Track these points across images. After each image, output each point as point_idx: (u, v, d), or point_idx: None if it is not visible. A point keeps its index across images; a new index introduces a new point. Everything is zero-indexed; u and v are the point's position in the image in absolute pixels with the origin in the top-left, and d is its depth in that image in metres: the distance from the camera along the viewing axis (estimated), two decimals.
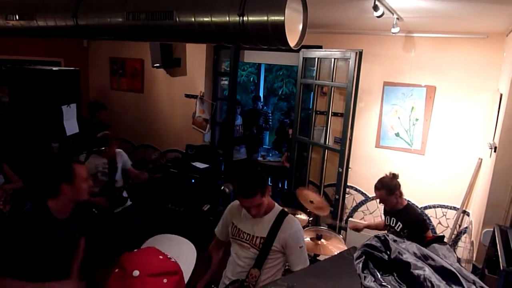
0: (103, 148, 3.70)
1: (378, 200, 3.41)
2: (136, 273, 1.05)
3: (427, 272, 1.02)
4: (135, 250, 1.17)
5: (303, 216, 3.86)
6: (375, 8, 2.57)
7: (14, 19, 2.99)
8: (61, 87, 4.15)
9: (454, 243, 4.23)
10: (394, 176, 3.21)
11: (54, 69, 4.28)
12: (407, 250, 1.11)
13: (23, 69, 4.30)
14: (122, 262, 1.10)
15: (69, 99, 4.20)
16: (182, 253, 1.24)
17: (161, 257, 1.14)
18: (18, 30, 3.10)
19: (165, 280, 1.08)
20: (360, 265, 1.14)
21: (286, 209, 3.75)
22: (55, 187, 2.23)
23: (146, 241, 1.40)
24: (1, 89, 4.76)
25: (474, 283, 1.00)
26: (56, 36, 3.06)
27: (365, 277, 1.09)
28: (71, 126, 4.21)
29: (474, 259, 3.26)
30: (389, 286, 1.05)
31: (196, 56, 5.46)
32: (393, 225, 3.25)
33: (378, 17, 2.71)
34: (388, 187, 3.14)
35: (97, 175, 3.87)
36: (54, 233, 2.16)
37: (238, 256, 2.40)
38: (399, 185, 3.17)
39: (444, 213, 4.28)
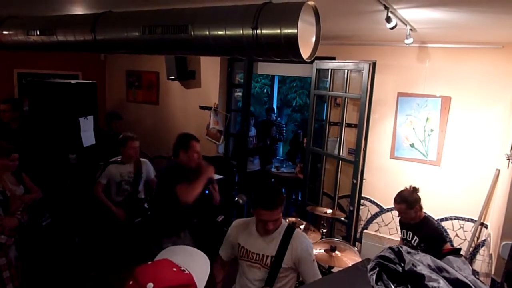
0: (119, 159, 3.74)
1: (397, 213, 3.35)
2: (150, 285, 1.06)
3: (442, 284, 1.01)
4: (149, 262, 1.18)
5: (315, 234, 3.78)
6: (388, 20, 2.58)
7: (35, 34, 3.10)
8: (79, 99, 4.25)
9: (472, 256, 4.14)
10: (415, 190, 3.16)
11: (72, 82, 4.41)
12: (421, 262, 1.10)
13: (43, 82, 4.44)
14: (136, 274, 1.11)
15: (86, 111, 4.30)
16: (196, 265, 1.24)
17: (174, 269, 1.14)
18: (38, 45, 3.21)
19: None
20: (374, 276, 1.13)
21: (302, 222, 3.73)
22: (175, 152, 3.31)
23: (161, 252, 1.41)
24: (22, 101, 4.89)
25: None
26: (75, 50, 3.16)
27: None
28: (88, 137, 4.29)
29: (493, 272, 3.19)
30: None
31: (210, 68, 5.54)
32: (410, 239, 3.20)
33: (391, 28, 2.71)
34: (408, 201, 3.09)
35: (122, 184, 3.89)
36: None
37: (247, 277, 2.34)
38: (419, 199, 3.12)
39: (462, 225, 4.20)
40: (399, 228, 3.49)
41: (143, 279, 1.08)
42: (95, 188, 3.83)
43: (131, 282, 1.10)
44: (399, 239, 3.60)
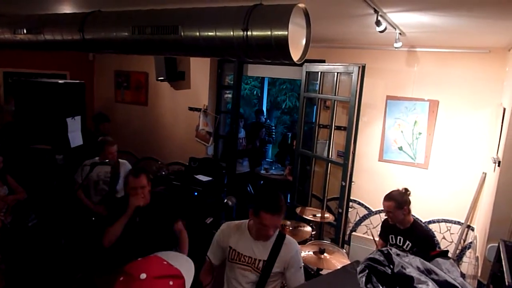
0: (106, 160, 3.71)
1: (385, 214, 3.31)
2: (143, 276, 1.09)
3: (431, 286, 1.01)
4: (139, 258, 1.19)
5: (306, 229, 3.83)
6: (378, 23, 2.60)
7: (22, 33, 3.05)
8: (67, 99, 4.20)
9: (459, 258, 4.18)
10: (406, 191, 3.16)
11: (60, 82, 4.35)
12: (411, 264, 1.11)
13: (29, 82, 4.37)
14: (127, 269, 1.13)
15: (74, 111, 4.25)
16: (181, 266, 1.24)
17: (164, 262, 1.17)
18: (25, 43, 3.16)
19: (171, 283, 1.10)
20: (363, 279, 1.13)
21: (289, 222, 3.75)
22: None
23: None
24: (8, 101, 4.81)
25: None
26: (63, 49, 3.11)
27: None
28: (75, 138, 4.25)
29: (479, 274, 3.22)
30: None
31: (200, 69, 5.52)
32: (400, 244, 3.18)
33: (381, 32, 2.73)
34: (397, 200, 3.08)
35: (99, 183, 3.89)
36: None
37: (238, 280, 2.32)
38: (409, 202, 3.12)
39: (448, 228, 4.25)
40: (383, 235, 3.41)
41: (135, 272, 1.10)
42: (77, 191, 3.87)
43: (121, 278, 1.12)
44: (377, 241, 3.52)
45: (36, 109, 4.13)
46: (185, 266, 1.26)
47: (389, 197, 3.14)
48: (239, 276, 2.32)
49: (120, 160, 4.07)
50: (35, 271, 3.68)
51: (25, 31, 3.05)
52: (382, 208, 3.25)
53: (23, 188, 3.67)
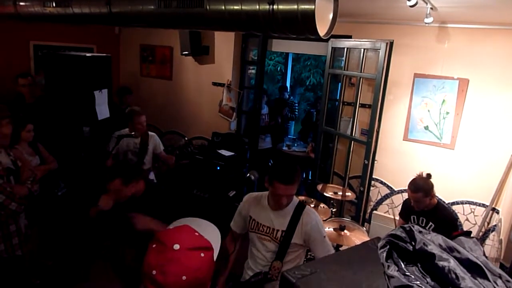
0: (132, 132, 3.79)
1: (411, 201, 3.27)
2: (176, 246, 1.12)
3: (452, 264, 1.01)
4: (170, 227, 1.23)
5: (325, 210, 3.84)
6: None
7: (51, 6, 3.10)
8: (94, 72, 4.27)
9: (482, 241, 4.13)
10: (428, 176, 3.12)
11: (87, 55, 4.41)
12: (432, 241, 1.11)
13: (58, 55, 4.45)
14: (160, 237, 1.17)
15: (101, 84, 4.32)
16: (208, 234, 1.28)
17: (196, 234, 1.20)
18: (54, 16, 3.21)
19: (202, 254, 1.14)
20: (384, 254, 1.14)
21: (312, 199, 3.77)
22: None
23: (173, 223, 1.45)
24: (38, 74, 4.93)
25: (500, 276, 0.99)
26: (90, 23, 3.16)
27: (388, 266, 1.10)
28: (102, 111, 4.33)
29: (502, 257, 3.19)
30: (413, 276, 1.06)
31: (224, 44, 5.49)
32: (423, 224, 3.16)
33: (411, 6, 2.64)
34: (424, 189, 3.04)
35: (128, 154, 3.97)
36: None
37: (258, 249, 2.39)
38: (433, 186, 3.09)
39: (473, 210, 4.18)
40: (404, 215, 3.41)
41: (168, 241, 1.14)
42: (107, 161, 3.94)
43: (154, 245, 1.16)
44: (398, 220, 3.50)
45: (64, 82, 4.22)
46: (213, 235, 1.31)
47: (416, 188, 3.08)
48: (259, 245, 2.39)
49: (149, 132, 4.12)
50: (63, 237, 3.85)
51: (54, 4, 3.10)
52: (404, 188, 3.22)
53: (54, 158, 3.79)
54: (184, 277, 1.09)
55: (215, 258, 1.24)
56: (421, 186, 3.07)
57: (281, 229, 2.30)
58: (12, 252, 2.95)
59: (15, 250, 2.97)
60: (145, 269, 1.13)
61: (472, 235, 3.88)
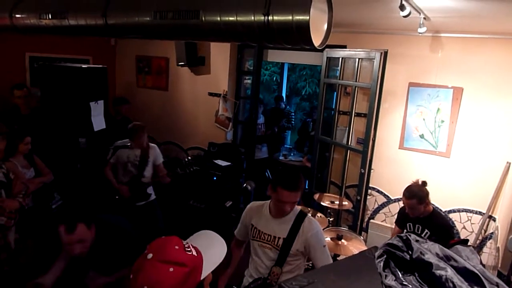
0: (128, 143, 3.77)
1: (406, 208, 3.29)
2: (149, 256, 1.14)
3: (449, 273, 1.01)
4: (163, 237, 1.23)
5: (321, 220, 3.83)
6: (402, 7, 2.54)
7: (47, 18, 3.10)
8: (90, 84, 4.27)
9: (479, 249, 4.13)
10: (424, 184, 3.13)
11: (83, 66, 4.42)
12: (429, 250, 1.11)
13: (54, 67, 4.46)
14: (150, 244, 1.20)
15: (97, 95, 4.32)
16: (212, 249, 1.28)
17: (177, 247, 1.19)
18: (50, 28, 3.21)
19: (171, 269, 1.13)
20: (381, 264, 1.14)
21: (309, 209, 3.77)
22: None
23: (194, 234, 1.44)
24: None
25: (497, 285, 0.99)
26: (87, 34, 3.16)
27: (386, 275, 1.10)
28: (98, 122, 4.33)
29: (499, 265, 3.18)
30: (410, 286, 1.05)
31: (220, 55, 5.52)
32: (419, 232, 3.17)
33: (405, 16, 2.67)
34: (418, 196, 3.05)
35: (127, 166, 3.94)
36: None
37: (259, 257, 2.41)
38: (428, 193, 3.10)
39: (469, 218, 4.19)
40: (399, 223, 3.43)
41: (149, 249, 1.17)
42: (105, 168, 3.93)
43: (145, 251, 1.19)
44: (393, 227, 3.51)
45: (60, 94, 4.22)
46: (214, 252, 1.30)
47: (410, 195, 3.09)
48: (260, 253, 2.40)
49: (150, 144, 4.11)
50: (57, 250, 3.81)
51: (50, 16, 3.11)
52: (401, 196, 3.23)
53: (49, 170, 3.76)
54: (145, 287, 1.10)
55: (202, 276, 1.22)
56: (416, 192, 3.07)
57: (282, 236, 2.31)
58: (1, 268, 2.90)
59: (3, 265, 2.92)
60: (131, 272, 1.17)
61: (469, 243, 3.88)
